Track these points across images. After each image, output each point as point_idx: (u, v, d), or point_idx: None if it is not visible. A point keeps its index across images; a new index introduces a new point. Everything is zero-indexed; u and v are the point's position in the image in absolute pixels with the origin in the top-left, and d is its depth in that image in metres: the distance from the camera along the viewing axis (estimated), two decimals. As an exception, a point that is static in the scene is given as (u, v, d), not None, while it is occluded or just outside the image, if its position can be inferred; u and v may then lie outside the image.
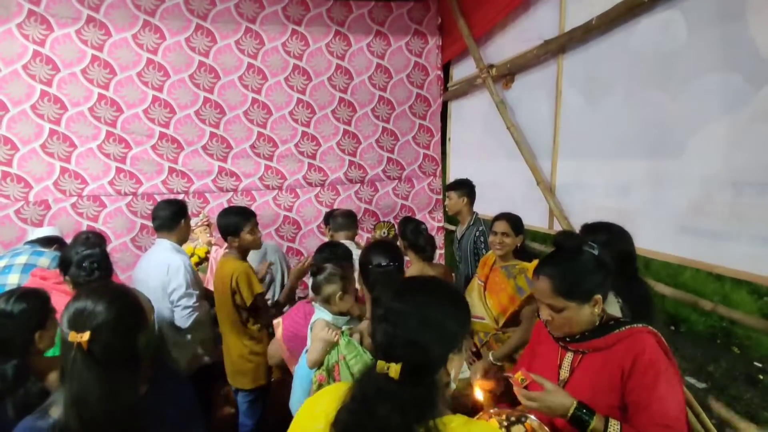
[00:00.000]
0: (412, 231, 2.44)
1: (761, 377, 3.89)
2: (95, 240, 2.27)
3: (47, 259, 2.41)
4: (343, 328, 1.58)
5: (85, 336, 1.00)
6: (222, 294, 2.31)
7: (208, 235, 3.23)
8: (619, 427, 1.12)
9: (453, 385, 0.91)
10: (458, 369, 0.91)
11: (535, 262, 2.27)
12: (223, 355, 2.45)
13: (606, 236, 1.72)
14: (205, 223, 3.26)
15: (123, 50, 3.23)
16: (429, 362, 0.84)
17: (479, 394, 1.39)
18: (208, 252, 3.15)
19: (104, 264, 1.90)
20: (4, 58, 3.02)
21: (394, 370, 0.80)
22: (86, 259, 1.86)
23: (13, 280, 2.28)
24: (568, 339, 1.29)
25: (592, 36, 2.49)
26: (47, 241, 2.62)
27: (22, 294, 1.47)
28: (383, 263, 1.65)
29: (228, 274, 2.26)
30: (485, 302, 2.33)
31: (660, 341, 1.22)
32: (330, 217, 2.92)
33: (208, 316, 2.51)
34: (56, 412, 1.03)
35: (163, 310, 2.34)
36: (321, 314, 1.63)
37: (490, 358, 2.20)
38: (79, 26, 3.13)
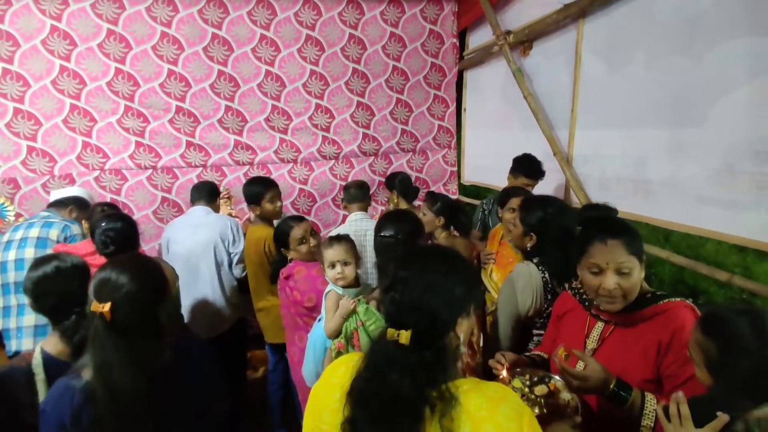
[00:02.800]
0: (451, 207, 2.52)
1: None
2: (111, 212, 2.36)
3: (57, 230, 2.45)
4: (361, 297, 1.62)
5: (107, 306, 1.05)
6: (256, 258, 2.45)
7: (229, 207, 3.32)
8: (656, 401, 1.11)
9: (462, 349, 0.92)
10: (467, 333, 0.93)
11: None
12: (260, 317, 2.58)
13: (550, 210, 1.77)
14: (226, 195, 3.35)
15: (138, 24, 3.24)
16: (437, 327, 0.85)
17: (504, 372, 1.31)
18: None
19: (119, 238, 1.96)
20: (23, 33, 3.06)
21: (404, 336, 0.82)
22: (104, 233, 1.94)
23: (29, 254, 2.35)
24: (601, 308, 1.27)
25: (614, -1, 2.39)
26: (63, 203, 2.66)
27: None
28: (390, 234, 1.68)
29: (261, 239, 2.40)
30: (490, 276, 2.35)
31: (698, 315, 1.19)
32: (344, 189, 2.96)
33: None
34: (87, 373, 1.08)
35: (205, 266, 2.54)
36: (332, 286, 1.68)
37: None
38: (94, 0, 3.13)
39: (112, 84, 3.27)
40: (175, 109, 3.42)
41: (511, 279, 1.78)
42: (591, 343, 1.29)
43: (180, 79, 3.40)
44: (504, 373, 1.27)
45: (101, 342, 1.05)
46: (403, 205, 3.10)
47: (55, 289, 1.44)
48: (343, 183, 3.91)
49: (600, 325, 1.29)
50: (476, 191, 4.10)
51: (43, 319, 2.34)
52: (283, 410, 2.64)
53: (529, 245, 1.83)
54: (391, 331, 0.84)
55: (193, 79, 3.42)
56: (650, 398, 1.12)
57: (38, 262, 1.52)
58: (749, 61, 1.80)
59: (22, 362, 1.32)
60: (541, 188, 2.88)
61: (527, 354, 1.52)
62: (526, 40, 3.15)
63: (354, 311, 1.58)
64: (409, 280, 0.88)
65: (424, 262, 0.92)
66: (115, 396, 1.03)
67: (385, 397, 0.81)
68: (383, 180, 3.88)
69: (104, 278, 1.11)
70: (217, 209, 2.83)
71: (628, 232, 1.23)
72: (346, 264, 1.66)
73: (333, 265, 1.67)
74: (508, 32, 3.26)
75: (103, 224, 1.99)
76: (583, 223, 1.46)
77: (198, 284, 2.54)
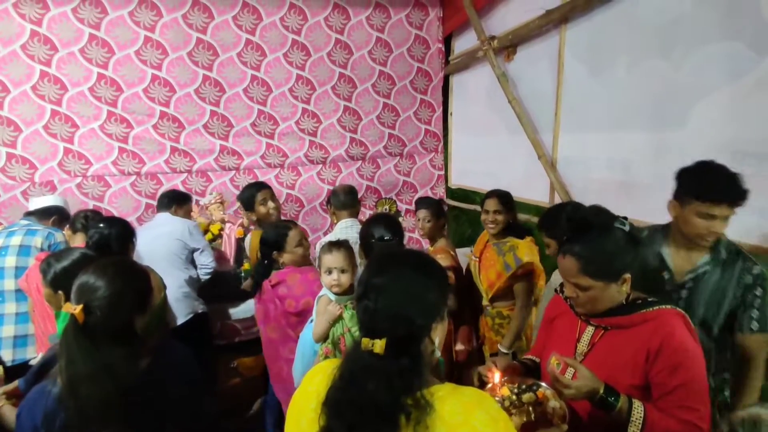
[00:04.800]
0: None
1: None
2: (108, 216, 2.35)
3: (40, 238, 2.40)
4: (348, 303, 1.62)
5: (78, 308, 1.01)
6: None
7: (221, 212, 3.30)
8: (642, 408, 1.12)
9: (437, 353, 0.91)
10: (442, 337, 0.92)
11: (528, 239, 2.29)
12: None
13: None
14: (219, 200, 3.33)
15: (120, 28, 3.20)
16: (413, 334, 0.84)
17: (497, 377, 1.30)
18: (221, 229, 3.25)
19: (111, 241, 1.95)
20: (2, 38, 3.00)
21: (379, 345, 0.80)
22: (96, 234, 1.92)
23: (10, 263, 2.31)
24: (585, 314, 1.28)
25: (595, 5, 2.44)
26: (45, 213, 2.62)
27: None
28: (385, 237, 1.68)
29: (257, 246, 2.34)
30: (478, 278, 2.36)
31: (687, 323, 1.19)
32: (331, 195, 2.91)
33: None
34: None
35: (176, 269, 2.58)
36: (326, 291, 1.67)
37: (503, 350, 2.23)
38: (75, 5, 3.09)
39: (95, 89, 3.22)
40: (159, 115, 3.38)
41: (551, 285, 1.80)
42: (581, 347, 1.28)
43: (164, 84, 3.36)
44: (497, 379, 1.27)
45: (68, 346, 1.00)
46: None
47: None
48: (331, 187, 3.92)
49: (590, 329, 1.28)
50: (463, 195, 4.13)
51: (22, 330, 2.32)
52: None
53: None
54: (365, 341, 0.82)
55: (177, 84, 3.39)
56: (637, 405, 1.12)
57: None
58: (727, 64, 1.85)
59: None
60: (528, 191, 2.91)
61: (520, 359, 1.53)
62: (510, 45, 3.19)
63: (340, 317, 1.58)
64: (384, 287, 0.86)
65: (396, 268, 0.90)
66: (82, 404, 0.99)
67: (361, 405, 0.80)
68: (371, 184, 3.89)
69: (83, 281, 1.08)
70: (186, 215, 2.85)
71: (591, 253, 1.18)
72: (343, 271, 1.63)
73: (330, 272, 1.64)
74: (493, 37, 3.30)
75: (100, 225, 1.98)
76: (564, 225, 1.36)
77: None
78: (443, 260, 2.22)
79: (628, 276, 1.19)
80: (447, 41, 4.10)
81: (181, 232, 2.64)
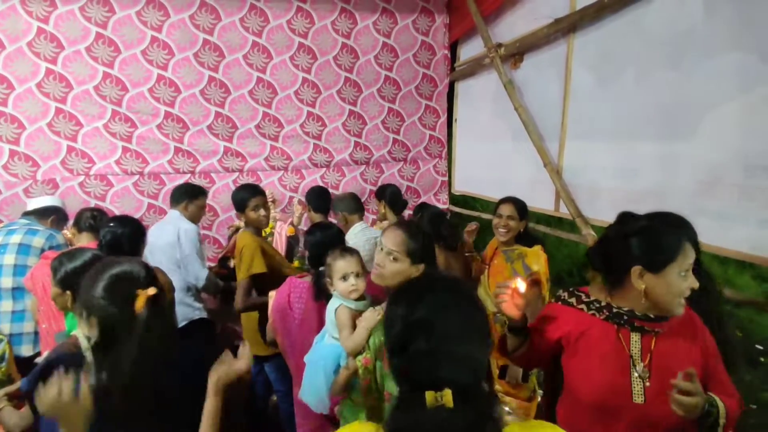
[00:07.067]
0: (431, 219, 2.43)
1: (762, 359, 3.91)
2: (103, 217, 2.32)
3: (42, 238, 2.38)
4: (379, 307, 1.49)
5: (152, 290, 1.09)
6: (236, 266, 2.38)
7: (273, 210, 3.28)
8: (721, 402, 1.14)
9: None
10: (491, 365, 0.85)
11: (536, 247, 2.27)
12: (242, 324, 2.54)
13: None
14: (270, 199, 3.29)
15: (127, 28, 3.20)
16: (478, 375, 0.74)
17: (522, 285, 1.31)
18: (273, 227, 3.25)
19: (123, 241, 1.94)
20: (9, 35, 2.99)
21: (448, 398, 0.68)
22: (102, 238, 1.91)
23: (8, 261, 2.29)
24: (642, 320, 1.21)
25: (605, 14, 2.44)
26: (44, 213, 2.59)
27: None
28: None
29: (239, 247, 2.30)
30: (487, 285, 2.34)
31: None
32: (338, 201, 2.83)
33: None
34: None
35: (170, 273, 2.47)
36: (341, 301, 1.54)
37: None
38: (83, 3, 3.08)
39: (100, 88, 3.21)
40: (163, 115, 3.37)
41: None
42: (635, 354, 1.21)
43: (169, 84, 3.35)
44: (522, 287, 1.30)
45: (148, 321, 1.06)
46: (391, 217, 3.06)
47: None
48: (335, 191, 3.90)
49: (636, 336, 1.22)
50: (466, 201, 4.12)
51: (17, 328, 2.29)
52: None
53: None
54: (430, 396, 0.69)
55: (182, 84, 3.38)
56: (718, 401, 1.13)
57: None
58: (737, 77, 1.85)
59: (70, 347, 1.27)
60: (533, 199, 2.89)
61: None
62: (516, 52, 3.19)
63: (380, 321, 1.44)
64: (434, 324, 0.73)
65: (439, 297, 0.77)
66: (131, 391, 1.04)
67: None
68: (374, 189, 3.87)
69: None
70: (199, 210, 2.77)
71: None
72: (358, 275, 1.54)
73: (345, 277, 1.53)
74: (500, 45, 3.31)
75: (111, 225, 1.97)
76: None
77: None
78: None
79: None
80: (453, 47, 4.11)
81: (173, 235, 2.57)
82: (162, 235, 2.60)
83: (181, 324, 2.51)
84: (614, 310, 1.25)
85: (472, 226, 2.58)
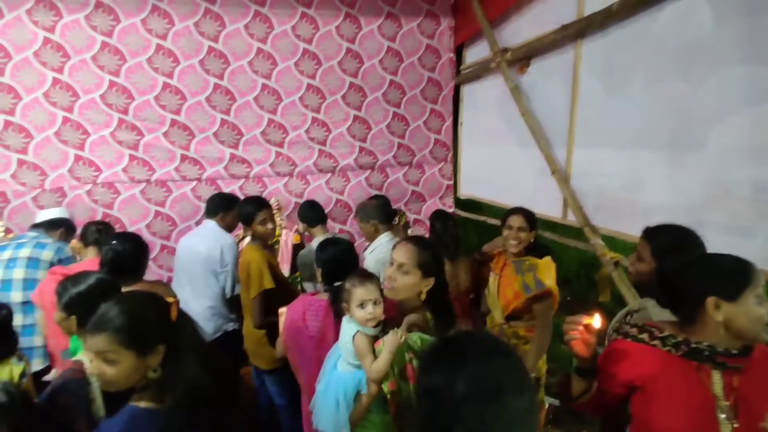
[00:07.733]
0: (441, 226, 2.55)
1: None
2: (107, 231, 2.34)
3: (50, 251, 2.39)
4: (398, 329, 1.43)
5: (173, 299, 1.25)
6: (242, 280, 2.39)
7: (279, 219, 3.31)
8: None
9: None
10: None
11: (546, 258, 2.26)
12: (244, 336, 2.53)
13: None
14: (276, 207, 3.33)
15: (132, 36, 3.20)
16: None
17: (597, 321, 1.21)
18: (279, 235, 3.28)
19: (124, 260, 1.95)
20: (15, 45, 3.00)
21: None
22: (104, 256, 1.92)
23: (18, 275, 2.30)
24: (724, 356, 1.15)
25: (613, 22, 2.41)
26: (53, 225, 2.61)
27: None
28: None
29: (246, 261, 2.31)
30: (496, 295, 2.34)
31: None
32: (373, 209, 2.71)
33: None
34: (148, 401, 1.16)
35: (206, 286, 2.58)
36: (357, 327, 1.48)
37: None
38: (88, 12, 3.08)
39: (106, 97, 3.22)
40: (169, 122, 3.38)
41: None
42: (718, 393, 1.14)
43: (175, 92, 3.35)
44: (598, 323, 1.20)
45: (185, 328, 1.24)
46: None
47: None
48: (339, 197, 3.91)
49: (717, 374, 1.15)
50: (472, 205, 4.11)
51: (27, 342, 2.31)
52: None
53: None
54: None
55: (188, 91, 3.38)
56: None
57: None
58: (747, 88, 1.83)
59: (76, 374, 1.32)
60: (540, 205, 2.88)
61: None
62: (523, 57, 3.17)
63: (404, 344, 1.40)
64: (485, 405, 0.68)
65: (487, 364, 0.72)
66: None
67: None
68: (379, 193, 3.87)
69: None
70: (234, 220, 2.74)
71: None
72: (375, 303, 1.48)
73: (363, 305, 1.47)
74: (506, 49, 3.28)
75: (113, 243, 1.97)
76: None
77: (183, 293, 2.51)
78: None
79: None
80: (458, 51, 4.08)
81: (214, 249, 2.58)
82: (199, 246, 2.61)
83: (215, 335, 2.54)
84: (693, 346, 1.17)
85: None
